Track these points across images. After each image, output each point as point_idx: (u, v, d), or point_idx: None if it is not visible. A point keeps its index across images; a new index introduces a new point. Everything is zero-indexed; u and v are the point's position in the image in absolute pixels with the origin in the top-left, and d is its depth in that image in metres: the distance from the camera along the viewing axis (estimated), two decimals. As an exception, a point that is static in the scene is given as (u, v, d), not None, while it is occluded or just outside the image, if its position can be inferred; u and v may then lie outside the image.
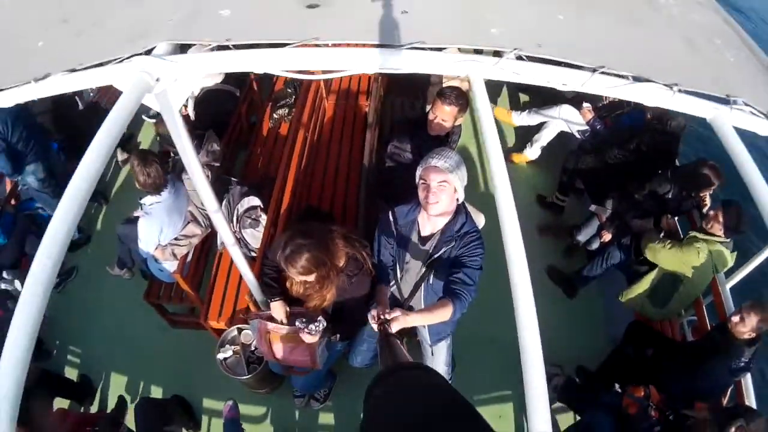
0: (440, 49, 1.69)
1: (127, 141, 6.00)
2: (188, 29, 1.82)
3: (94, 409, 4.20)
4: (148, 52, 1.73)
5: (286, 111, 5.36)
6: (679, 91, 1.91)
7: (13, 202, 4.91)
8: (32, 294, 1.21)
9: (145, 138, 6.13)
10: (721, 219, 3.72)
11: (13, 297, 4.32)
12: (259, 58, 1.68)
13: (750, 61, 2.75)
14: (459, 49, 1.81)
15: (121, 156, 5.80)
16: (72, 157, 5.20)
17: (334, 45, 1.69)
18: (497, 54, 1.73)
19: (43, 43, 2.24)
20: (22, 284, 4.19)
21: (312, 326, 2.88)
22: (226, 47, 1.67)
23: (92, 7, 2.40)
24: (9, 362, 1.16)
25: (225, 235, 2.71)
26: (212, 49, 1.68)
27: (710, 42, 2.61)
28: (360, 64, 1.68)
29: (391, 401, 1.04)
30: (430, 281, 2.90)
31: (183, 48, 1.76)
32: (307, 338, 2.93)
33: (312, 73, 1.78)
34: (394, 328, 2.39)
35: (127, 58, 1.73)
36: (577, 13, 2.30)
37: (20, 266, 4.61)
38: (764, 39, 3.04)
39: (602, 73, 1.78)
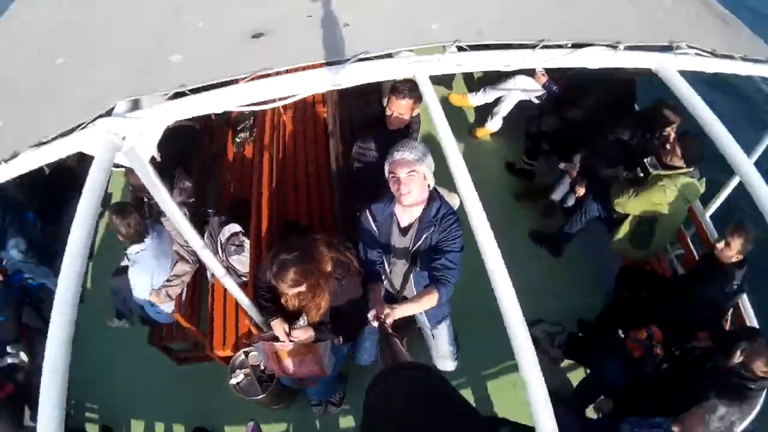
0: (387, 56, 1.76)
1: (99, 195, 6.01)
2: (144, 82, 1.86)
3: None
4: (109, 113, 1.77)
5: (248, 133, 5.40)
6: (623, 48, 1.98)
7: (0, 278, 4.87)
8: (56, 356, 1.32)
9: (115, 188, 6.08)
10: (678, 151, 3.78)
11: (21, 369, 4.35)
12: (216, 99, 1.74)
13: (690, 2, 2.83)
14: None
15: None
16: (48, 221, 5.24)
17: (288, 71, 1.75)
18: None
19: (2, 122, 2.25)
20: (27, 355, 4.23)
21: (297, 324, 3.09)
22: (183, 93, 1.72)
23: (47, 73, 2.42)
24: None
25: (215, 268, 2.77)
26: (170, 98, 1.73)
27: None
28: (312, 86, 1.75)
29: (391, 401, 1.05)
30: (418, 269, 3.00)
31: (142, 101, 1.80)
32: (298, 334, 3.05)
33: (269, 102, 1.85)
34: (388, 321, 2.51)
35: (91, 122, 1.77)
36: None
37: (21, 339, 4.60)
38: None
39: (543, 47, 1.84)
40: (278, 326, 3.10)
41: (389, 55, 1.77)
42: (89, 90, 2.03)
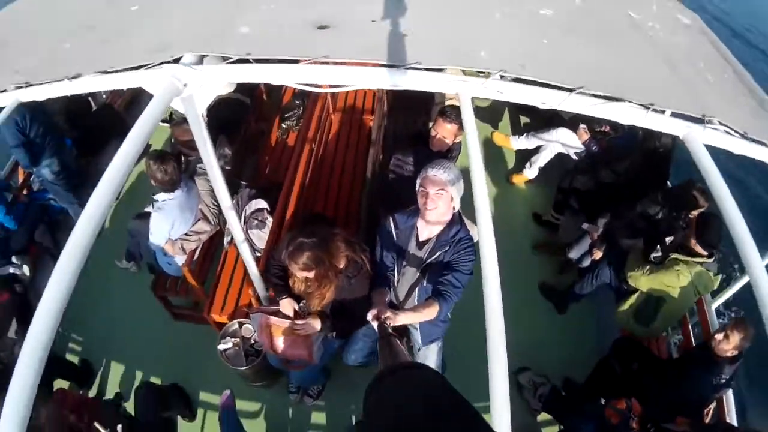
0: (437, 70, 1.89)
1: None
2: (212, 43, 2.02)
3: (92, 393, 4.34)
4: (176, 61, 1.92)
5: (294, 122, 5.60)
6: (654, 110, 2.03)
7: (24, 192, 5.18)
8: (59, 281, 1.33)
9: (156, 141, 6.37)
10: (698, 234, 3.76)
11: (20, 280, 4.56)
12: (276, 72, 1.89)
13: (732, 82, 2.85)
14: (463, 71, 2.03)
15: (133, 156, 6.07)
16: (84, 153, 5.53)
17: (342, 63, 1.89)
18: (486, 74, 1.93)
19: (70, 45, 2.43)
20: (30, 269, 4.43)
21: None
22: (246, 60, 1.87)
23: (119, 17, 2.60)
24: (36, 336, 1.27)
25: (235, 230, 2.92)
26: (234, 62, 1.88)
27: (692, 64, 2.73)
28: (364, 80, 1.88)
29: (391, 401, 1.03)
30: (425, 284, 3.10)
31: (209, 59, 1.96)
32: (305, 323, 3.16)
33: (321, 86, 1.99)
34: (388, 323, 2.61)
35: (158, 64, 1.92)
36: (561, 36, 2.46)
37: (29, 252, 4.87)
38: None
39: (579, 93, 1.93)
40: (287, 305, 3.25)
41: (439, 70, 1.88)
42: (159, 38, 2.18)
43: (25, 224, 4.85)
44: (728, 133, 2.18)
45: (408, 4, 2.36)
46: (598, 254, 4.72)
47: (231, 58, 1.90)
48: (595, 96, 1.95)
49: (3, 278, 4.51)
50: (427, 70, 1.86)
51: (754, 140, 2.23)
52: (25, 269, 4.71)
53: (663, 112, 2.07)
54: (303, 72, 1.87)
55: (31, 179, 5.28)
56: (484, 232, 1.58)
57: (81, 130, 5.50)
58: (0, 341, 3.85)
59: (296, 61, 1.89)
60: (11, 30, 2.99)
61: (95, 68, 2.05)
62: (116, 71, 2.01)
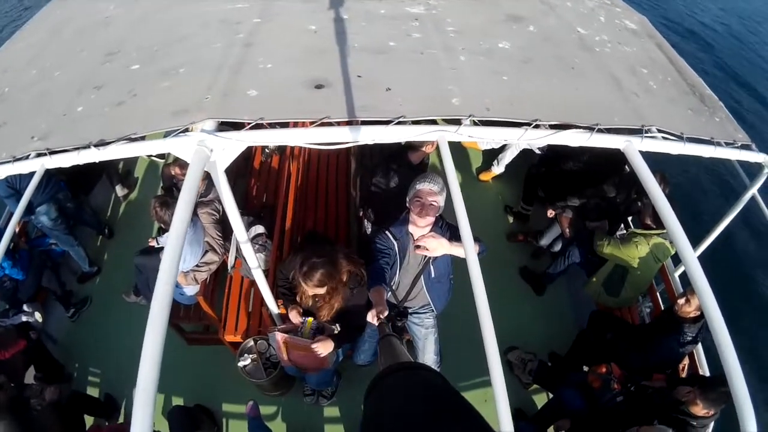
0: (418, 122, 2.22)
1: (126, 177, 6.53)
2: (226, 107, 2.26)
3: (120, 420, 4.55)
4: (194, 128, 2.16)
5: (275, 147, 5.84)
6: (597, 131, 2.36)
7: (23, 239, 5.21)
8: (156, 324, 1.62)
9: (140, 171, 6.71)
10: (650, 212, 4.25)
11: (34, 328, 4.70)
12: (288, 135, 2.20)
13: (675, 83, 3.17)
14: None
15: (121, 192, 6.33)
16: (76, 193, 5.61)
17: (341, 123, 2.19)
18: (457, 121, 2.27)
19: (83, 108, 2.54)
20: (42, 316, 4.74)
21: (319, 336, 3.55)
22: (261, 125, 2.16)
23: (126, 76, 2.73)
24: (149, 350, 1.50)
25: (250, 260, 3.25)
26: (251, 127, 2.15)
27: (636, 74, 3.04)
28: (361, 137, 2.20)
29: (391, 400, 1.04)
30: (432, 274, 3.52)
31: (224, 123, 2.21)
32: (320, 347, 3.49)
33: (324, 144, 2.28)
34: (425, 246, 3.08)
35: (182, 132, 2.14)
36: (519, 70, 2.76)
37: (38, 299, 4.99)
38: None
39: (534, 127, 2.28)
40: (295, 315, 3.60)
41: (419, 122, 2.22)
42: (173, 103, 2.35)
43: (32, 272, 4.93)
44: (665, 138, 2.53)
45: (384, 57, 2.70)
46: (551, 212, 5.24)
47: (248, 123, 2.15)
48: (549, 126, 2.31)
49: (17, 327, 4.60)
50: (411, 123, 2.20)
51: (689, 139, 2.57)
52: (37, 316, 4.77)
53: (605, 131, 2.40)
54: (310, 134, 2.18)
55: (26, 227, 5.33)
56: (464, 232, 1.95)
57: (70, 171, 5.31)
58: (29, 388, 3.96)
59: (301, 121, 2.21)
60: (7, 84, 3.09)
61: (117, 133, 2.20)
62: (140, 138, 2.18)
